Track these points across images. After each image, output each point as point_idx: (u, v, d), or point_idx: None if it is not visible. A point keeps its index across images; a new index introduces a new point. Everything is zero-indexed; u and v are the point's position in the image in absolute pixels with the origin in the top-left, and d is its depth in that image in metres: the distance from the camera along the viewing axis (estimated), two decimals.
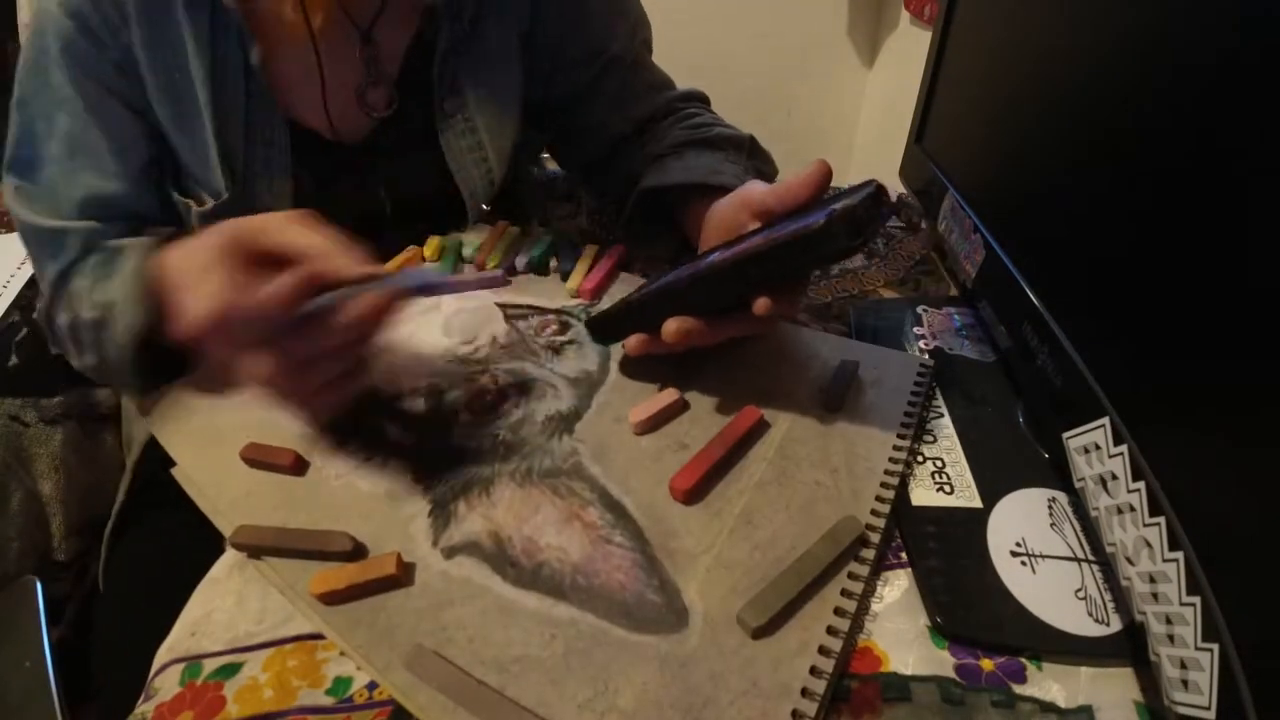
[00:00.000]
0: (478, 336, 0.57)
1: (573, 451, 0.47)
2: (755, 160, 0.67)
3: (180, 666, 0.38)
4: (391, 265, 0.63)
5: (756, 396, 0.49)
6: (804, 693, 0.35)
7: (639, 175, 0.67)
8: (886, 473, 0.45)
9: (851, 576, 0.40)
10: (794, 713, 0.34)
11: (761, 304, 0.44)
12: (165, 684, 0.37)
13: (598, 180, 0.80)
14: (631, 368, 0.53)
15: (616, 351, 0.55)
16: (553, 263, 0.65)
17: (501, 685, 0.35)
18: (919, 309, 0.63)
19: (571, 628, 0.38)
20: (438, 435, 0.49)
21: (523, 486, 0.45)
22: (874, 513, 0.43)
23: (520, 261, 0.65)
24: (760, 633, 0.37)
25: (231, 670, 0.37)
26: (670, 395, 0.49)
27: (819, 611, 0.38)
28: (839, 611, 0.38)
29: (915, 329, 0.60)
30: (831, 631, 0.37)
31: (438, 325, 0.59)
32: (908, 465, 0.47)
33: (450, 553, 0.42)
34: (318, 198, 0.60)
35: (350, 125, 0.64)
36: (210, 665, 0.38)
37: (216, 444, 0.49)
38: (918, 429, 0.49)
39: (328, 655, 0.38)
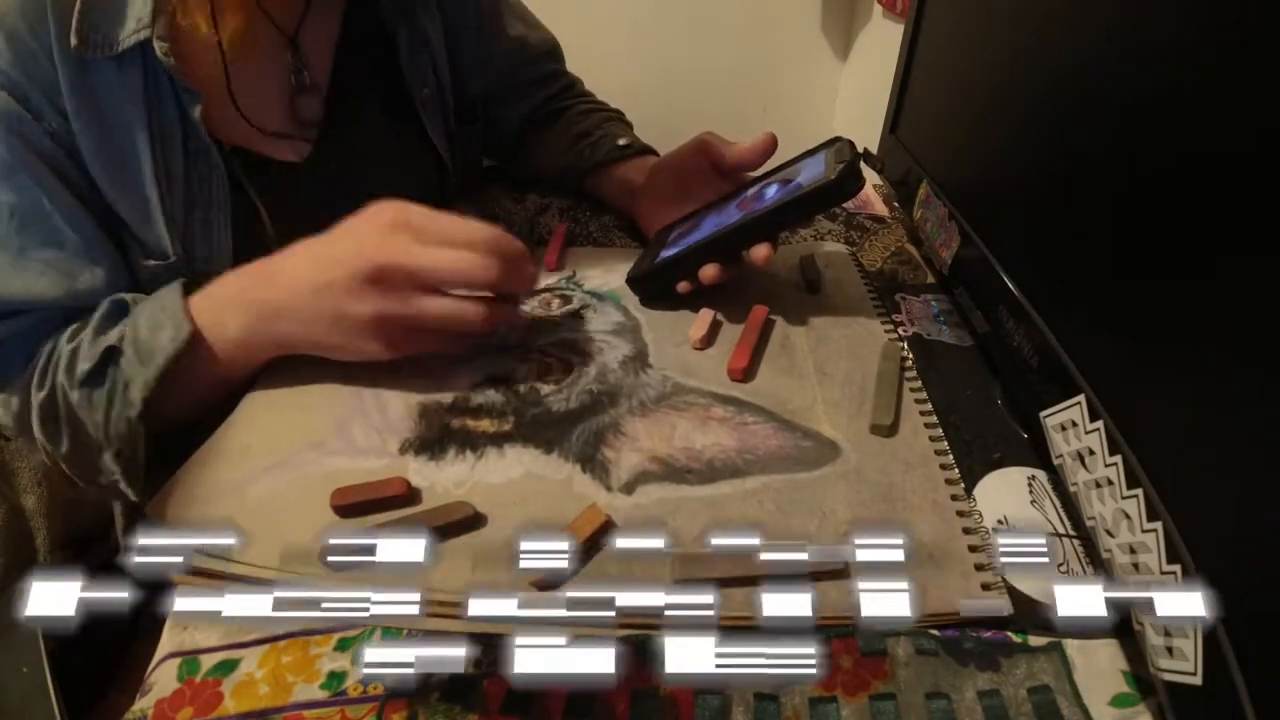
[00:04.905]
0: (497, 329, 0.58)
1: (664, 377, 0.53)
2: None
3: (176, 661, 0.37)
4: None
5: (763, 297, 0.60)
6: (936, 452, 0.47)
7: (567, 152, 0.78)
8: (879, 311, 0.60)
9: (909, 380, 0.53)
10: (941, 465, 0.47)
11: (764, 253, 0.55)
12: (162, 678, 0.37)
13: (515, 162, 0.87)
14: (659, 306, 0.61)
15: (630, 301, 0.62)
16: None
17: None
18: (897, 296, 0.64)
19: (768, 490, 0.45)
20: (533, 410, 0.50)
21: (646, 416, 0.50)
22: (894, 339, 0.57)
23: None
24: (890, 431, 0.49)
25: (229, 667, 0.37)
26: (709, 314, 0.58)
27: (909, 404, 0.51)
28: (919, 400, 0.52)
29: (894, 316, 0.61)
30: (923, 413, 0.50)
31: None
32: (880, 306, 0.61)
33: (629, 489, 0.45)
34: (281, 227, 0.57)
35: (286, 143, 0.61)
36: (208, 661, 0.37)
37: (264, 516, 0.42)
38: (880, 289, 0.64)
39: (321, 651, 0.38)
